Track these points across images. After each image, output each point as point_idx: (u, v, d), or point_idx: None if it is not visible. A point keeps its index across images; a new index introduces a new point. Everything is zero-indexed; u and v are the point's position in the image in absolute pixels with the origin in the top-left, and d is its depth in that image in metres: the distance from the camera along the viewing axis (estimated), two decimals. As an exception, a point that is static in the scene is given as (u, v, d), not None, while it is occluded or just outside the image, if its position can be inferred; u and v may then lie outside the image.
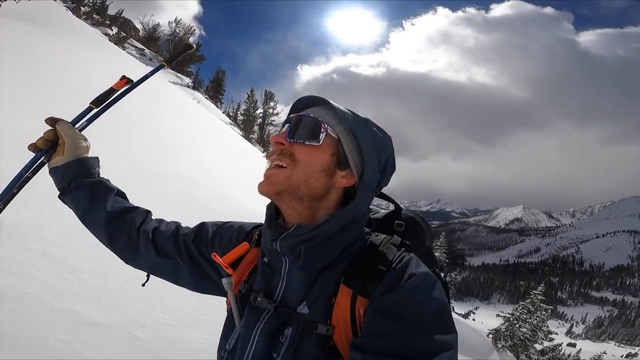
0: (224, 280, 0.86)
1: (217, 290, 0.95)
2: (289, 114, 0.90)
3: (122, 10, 29.45)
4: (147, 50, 25.85)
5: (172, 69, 24.29)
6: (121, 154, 4.85)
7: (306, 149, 0.80)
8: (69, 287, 2.34)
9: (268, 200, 0.85)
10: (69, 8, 20.30)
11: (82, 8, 23.01)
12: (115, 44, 19.56)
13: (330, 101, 0.84)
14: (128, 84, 1.17)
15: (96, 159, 1.09)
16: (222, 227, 1.02)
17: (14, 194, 1.04)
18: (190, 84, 23.09)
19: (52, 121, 1.03)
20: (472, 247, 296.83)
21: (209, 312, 2.84)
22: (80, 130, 1.08)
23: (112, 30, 23.89)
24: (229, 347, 0.82)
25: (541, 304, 16.10)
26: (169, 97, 12.00)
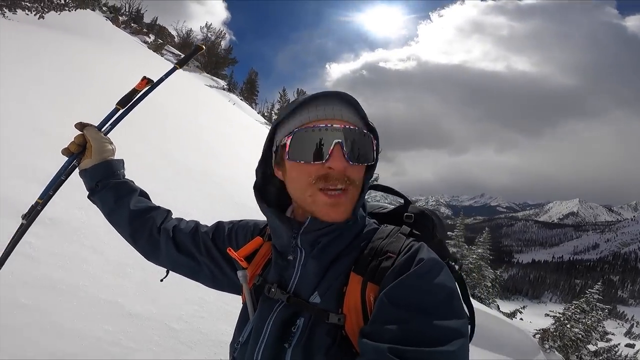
0: (239, 273, 0.88)
1: (233, 287, 0.99)
2: (306, 106, 0.80)
3: (157, 18, 30.97)
4: (183, 56, 27.10)
5: (208, 73, 25.12)
6: (161, 153, 5.15)
7: (360, 168, 0.80)
8: (114, 280, 2.56)
9: None
10: (107, 18, 21.65)
11: (119, 17, 24.36)
12: (153, 51, 20.54)
13: (356, 100, 0.80)
14: (149, 84, 1.24)
15: (121, 161, 1.16)
16: (238, 225, 1.05)
17: (51, 196, 1.16)
18: (225, 86, 23.84)
19: (80, 126, 1.13)
20: (520, 243, 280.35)
21: (240, 307, 2.95)
22: (106, 134, 1.17)
23: (149, 37, 25.08)
24: (242, 340, 0.84)
25: (597, 304, 14.99)
26: (205, 99, 12.48)
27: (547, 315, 15.38)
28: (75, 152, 1.12)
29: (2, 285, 1.92)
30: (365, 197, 0.85)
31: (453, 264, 0.92)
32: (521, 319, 20.19)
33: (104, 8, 24.37)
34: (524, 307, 19.64)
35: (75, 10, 10.61)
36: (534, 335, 12.41)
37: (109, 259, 2.74)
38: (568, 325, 13.51)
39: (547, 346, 12.40)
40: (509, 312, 19.08)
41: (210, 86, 20.65)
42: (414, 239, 0.81)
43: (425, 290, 0.67)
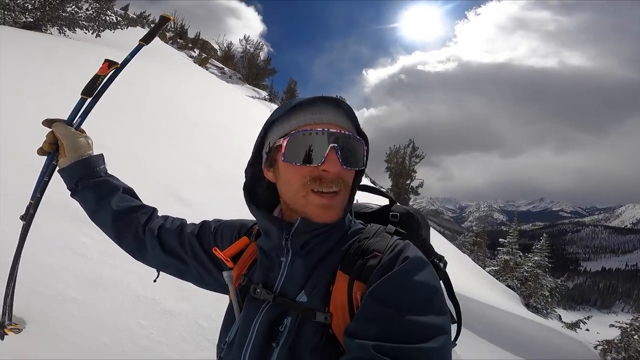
0: (225, 274, 0.88)
1: (220, 287, 0.98)
2: (280, 111, 0.84)
3: (200, 33, 32.59)
4: (226, 69, 28.27)
5: (250, 84, 25.98)
6: (203, 163, 5.48)
7: (351, 172, 0.83)
8: (152, 277, 2.79)
9: None
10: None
11: (167, 34, 25.99)
12: (199, 65, 21.78)
13: (350, 106, 0.83)
14: (113, 67, 1.16)
15: (100, 156, 1.11)
16: (224, 224, 1.04)
17: (39, 198, 1.16)
18: (266, 96, 24.54)
19: (48, 123, 1.07)
20: (588, 250, 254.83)
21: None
22: (77, 127, 1.11)
23: (194, 52, 26.47)
24: (229, 340, 0.84)
25: (668, 313, 13.29)
26: (247, 110, 12.97)
27: (612, 325, 13.93)
28: (51, 151, 1.09)
29: (56, 280, 2.20)
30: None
31: (438, 262, 0.94)
32: (587, 329, 18.35)
33: (152, 25, 26.40)
34: (588, 317, 17.83)
35: (127, 28, 11.54)
36: (595, 347, 11.29)
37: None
38: (636, 337, 12.13)
39: (609, 358, 11.22)
40: (569, 322, 17.47)
41: (252, 97, 21.46)
42: (400, 238, 0.83)
43: (408, 288, 0.69)
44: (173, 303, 2.58)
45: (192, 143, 6.01)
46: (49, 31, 9.78)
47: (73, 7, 10.05)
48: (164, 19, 1.26)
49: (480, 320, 6.23)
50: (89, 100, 1.15)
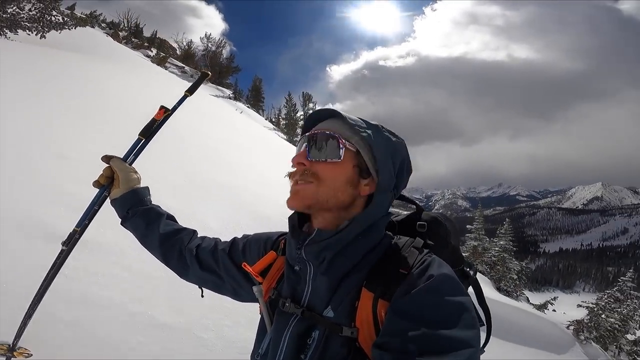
0: (255, 288, 0.91)
1: (254, 299, 0.98)
2: (303, 129, 0.94)
3: (156, 31, 31.35)
4: (187, 68, 27.40)
5: (213, 83, 25.43)
6: (177, 168, 5.30)
7: (328, 166, 0.83)
8: (144, 293, 2.67)
9: None
10: (107, 34, 22.13)
11: (119, 33, 24.87)
12: (157, 64, 21.01)
13: (342, 112, 0.87)
14: (166, 113, 1.33)
15: (146, 188, 1.24)
16: (251, 239, 1.09)
17: (87, 225, 1.27)
18: (231, 95, 24.08)
19: (107, 159, 1.22)
20: (545, 232, 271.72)
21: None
22: (130, 164, 1.26)
23: (151, 51, 25.50)
24: (262, 352, 0.88)
25: (632, 292, 14.44)
26: (213, 109, 12.67)
27: (579, 306, 14.89)
28: (105, 184, 1.22)
29: (43, 303, 2.04)
30: (382, 213, 0.85)
31: (467, 269, 0.95)
32: (554, 310, 19.52)
33: (103, 24, 24.92)
34: (554, 299, 18.99)
35: (75, 28, 11.00)
36: (567, 327, 12.04)
37: (137, 274, 2.86)
38: (603, 316, 13.06)
39: (582, 338, 12.00)
40: (539, 304, 18.52)
41: (216, 96, 20.91)
42: (428, 252, 0.82)
43: (433, 304, 0.69)
44: (169, 317, 2.49)
45: (161, 148, 5.77)
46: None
47: (14, 7, 9.44)
48: (204, 74, 1.45)
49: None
50: (143, 140, 1.30)
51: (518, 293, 18.52)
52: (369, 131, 0.85)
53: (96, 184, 1.22)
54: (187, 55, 30.60)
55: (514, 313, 7.95)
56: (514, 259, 19.60)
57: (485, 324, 0.93)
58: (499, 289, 16.66)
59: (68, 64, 8.03)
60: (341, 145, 0.83)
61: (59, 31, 10.45)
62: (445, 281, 0.72)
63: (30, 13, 9.80)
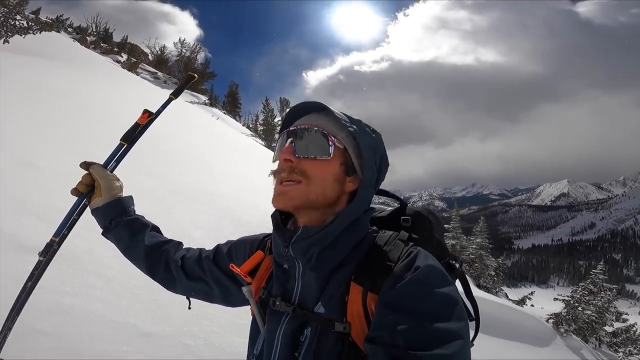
0: (244, 289, 0.90)
1: (245, 302, 0.98)
2: (285, 123, 0.92)
3: (127, 36, 30.14)
4: (159, 73, 26.46)
5: (188, 89, 25.02)
6: (154, 176, 5.13)
7: (317, 164, 0.82)
8: (124, 302, 2.54)
9: None
10: (75, 39, 21.24)
11: (87, 38, 23.84)
12: (128, 70, 20.15)
13: (330, 107, 0.85)
14: (150, 117, 1.26)
15: (130, 198, 1.19)
16: (237, 242, 1.09)
17: (66, 235, 1.17)
18: (206, 101, 23.61)
19: (86, 165, 1.15)
20: (518, 229, 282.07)
21: (249, 318, 2.94)
22: (112, 171, 1.19)
23: (122, 56, 24.56)
24: (257, 352, 0.87)
25: (604, 284, 15.07)
26: (188, 116, 12.38)
27: (555, 299, 15.38)
28: (85, 192, 1.14)
29: (23, 315, 1.90)
30: (366, 208, 0.86)
31: (453, 262, 0.95)
32: (532, 305, 20.16)
33: (69, 29, 23.95)
34: (532, 293, 19.63)
35: (40, 32, 10.61)
36: (547, 321, 12.42)
37: (114, 283, 2.73)
38: (579, 308, 13.53)
39: (562, 330, 12.40)
40: (517, 299, 19.08)
41: (191, 102, 20.45)
42: (413, 244, 0.82)
43: (421, 296, 0.69)
44: (152, 325, 2.39)
45: (136, 155, 5.55)
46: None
47: None
48: (190, 77, 1.42)
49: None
50: (125, 145, 1.23)
51: (497, 289, 19.02)
52: (354, 126, 0.84)
53: (75, 192, 1.14)
54: (160, 61, 29.74)
55: (496, 308, 8.14)
56: (490, 256, 20.15)
57: (473, 317, 0.93)
58: (478, 286, 17.06)
59: (33, 69, 7.69)
60: (330, 142, 0.82)
61: (23, 36, 10.05)
62: (431, 272, 0.72)
63: None
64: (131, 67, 22.01)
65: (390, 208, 1.03)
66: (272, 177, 0.87)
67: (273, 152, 0.91)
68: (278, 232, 0.85)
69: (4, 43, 9.48)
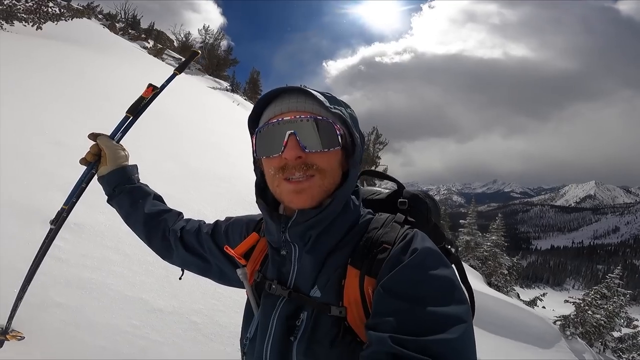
0: (239, 271, 0.89)
1: (240, 282, 0.94)
2: (257, 112, 0.86)
3: (153, 23, 30.59)
4: (181, 62, 26.92)
5: (210, 75, 25.17)
6: (173, 158, 5.32)
7: (325, 155, 0.78)
8: (138, 278, 2.71)
9: None
10: (104, 25, 21.77)
11: (116, 24, 24.45)
12: (154, 56, 20.66)
13: (312, 90, 0.80)
14: (155, 91, 1.33)
15: (135, 167, 1.23)
16: (233, 222, 1.07)
17: (74, 202, 1.28)
18: (228, 87, 23.77)
19: (94, 136, 1.21)
20: (538, 229, 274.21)
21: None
22: (118, 141, 1.25)
23: (148, 43, 25.02)
24: (250, 335, 0.86)
25: (619, 289, 14.68)
26: (210, 101, 12.61)
27: (566, 301, 15.09)
28: (92, 161, 1.21)
29: (37, 286, 2.08)
30: (354, 187, 0.85)
31: (449, 247, 0.94)
32: (543, 307, 19.82)
33: (100, 16, 24.54)
34: (544, 295, 19.27)
35: (71, 19, 10.87)
36: (554, 322, 12.26)
37: (131, 259, 2.89)
38: (589, 312, 13.26)
39: (568, 333, 12.23)
40: (528, 300, 18.81)
41: (213, 88, 20.65)
42: (409, 227, 0.81)
43: (421, 280, 0.67)
44: (162, 301, 2.53)
45: (158, 139, 5.79)
46: (-18, 24, 8.96)
47: None
48: (194, 53, 1.45)
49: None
50: (131, 118, 1.29)
51: (508, 288, 18.76)
52: (342, 108, 0.83)
53: (83, 161, 1.21)
54: (185, 47, 29.97)
55: (502, 306, 8.09)
56: (505, 255, 19.81)
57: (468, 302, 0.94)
58: (489, 284, 16.89)
59: (65, 54, 7.97)
60: (338, 132, 0.79)
61: (56, 22, 10.29)
62: (429, 255, 0.71)
63: (26, 4, 9.64)
64: (157, 53, 22.40)
65: (386, 191, 1.01)
66: (277, 176, 0.79)
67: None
68: (272, 219, 0.83)
69: (37, 29, 9.72)
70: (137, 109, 1.32)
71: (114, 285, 2.46)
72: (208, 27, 30.43)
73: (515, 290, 20.32)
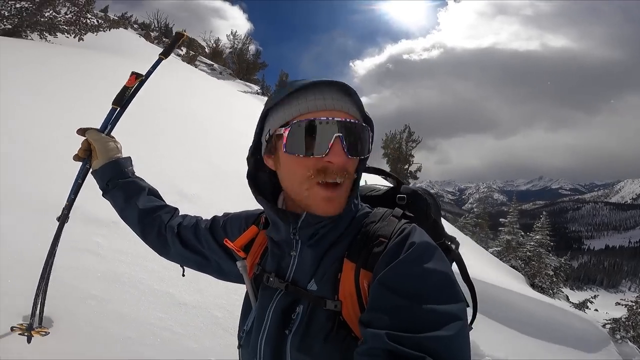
0: (239, 264, 0.90)
1: (238, 278, 0.96)
2: (297, 90, 0.76)
3: (185, 31, 32.10)
4: (215, 65, 27.68)
5: (241, 79, 25.83)
6: (203, 160, 5.54)
7: (356, 160, 0.80)
8: (167, 273, 2.87)
9: None
10: (140, 35, 22.99)
11: (151, 33, 25.73)
12: (187, 62, 21.52)
13: (354, 90, 0.78)
14: (139, 79, 1.29)
15: (128, 159, 1.22)
16: (231, 216, 1.07)
17: (73, 199, 1.31)
18: (258, 90, 24.32)
19: (82, 131, 1.21)
20: (590, 227, 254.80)
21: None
22: (108, 134, 1.24)
23: (181, 50, 26.00)
24: (247, 328, 0.86)
25: (679, 291, 13.42)
26: (239, 105, 12.91)
27: (617, 304, 14.02)
28: (85, 157, 1.21)
29: (76, 279, 2.29)
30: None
31: (449, 243, 0.93)
32: (596, 309, 18.45)
33: (135, 26, 26.03)
34: (595, 297, 17.95)
35: (109, 30, 11.42)
36: (603, 326, 11.42)
37: (164, 255, 3.07)
38: (643, 315, 12.26)
39: (618, 336, 11.36)
40: (577, 302, 17.61)
41: (244, 92, 21.23)
42: (407, 221, 0.80)
43: (417, 276, 0.67)
44: (187, 296, 2.67)
45: (189, 141, 6.05)
46: (29, 37, 9.64)
47: (51, 12, 9.87)
48: (179, 35, 1.36)
49: (487, 300, 6.34)
50: (118, 109, 1.28)
51: (555, 290, 17.69)
52: (367, 112, 0.81)
53: (76, 157, 1.22)
54: (215, 53, 30.93)
55: (541, 307, 7.67)
56: (550, 255, 18.68)
57: (471, 301, 0.90)
58: (532, 285, 16.01)
59: (103, 63, 8.48)
60: (370, 140, 0.79)
61: (95, 33, 10.87)
62: (427, 249, 0.70)
63: (66, 17, 10.20)
64: (190, 60, 23.36)
65: (385, 187, 1.01)
66: (313, 178, 0.75)
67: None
68: (284, 219, 0.80)
69: (79, 40, 10.36)
70: (122, 100, 1.29)
71: (145, 279, 2.62)
72: (236, 32, 31.36)
73: (563, 292, 19.11)
